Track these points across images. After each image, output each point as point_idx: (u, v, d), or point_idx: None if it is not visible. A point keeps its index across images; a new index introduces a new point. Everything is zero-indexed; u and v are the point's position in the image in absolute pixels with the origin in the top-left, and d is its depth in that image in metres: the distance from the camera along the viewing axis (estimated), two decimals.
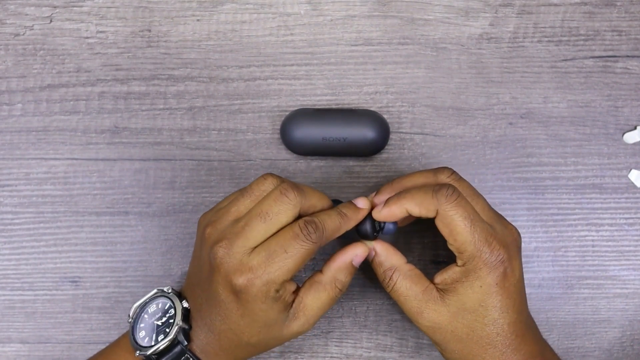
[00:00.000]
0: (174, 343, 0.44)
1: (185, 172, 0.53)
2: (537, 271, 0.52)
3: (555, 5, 0.53)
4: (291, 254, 0.41)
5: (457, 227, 0.42)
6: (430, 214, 0.43)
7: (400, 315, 0.52)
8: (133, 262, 0.53)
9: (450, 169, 0.45)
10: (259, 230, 0.42)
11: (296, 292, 0.44)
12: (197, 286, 0.45)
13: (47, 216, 0.52)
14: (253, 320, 0.42)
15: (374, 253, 0.46)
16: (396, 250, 0.46)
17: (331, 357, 0.53)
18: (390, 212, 0.45)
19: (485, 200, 0.45)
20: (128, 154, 0.53)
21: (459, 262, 0.43)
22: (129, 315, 0.46)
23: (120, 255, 0.52)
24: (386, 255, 0.45)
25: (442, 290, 0.44)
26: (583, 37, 0.53)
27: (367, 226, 0.46)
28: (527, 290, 0.47)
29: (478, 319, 0.43)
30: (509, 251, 0.43)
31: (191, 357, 0.43)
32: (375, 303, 0.53)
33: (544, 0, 0.53)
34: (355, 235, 0.46)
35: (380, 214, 0.45)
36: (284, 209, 0.42)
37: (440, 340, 0.44)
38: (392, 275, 0.45)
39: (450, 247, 0.43)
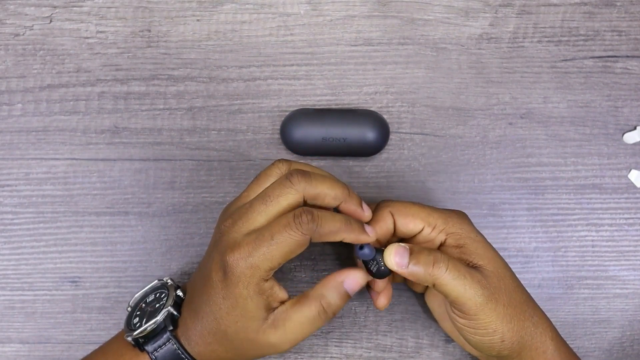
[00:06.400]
0: (161, 327, 0.44)
1: (185, 172, 0.53)
2: (537, 271, 0.52)
3: (555, 5, 0.53)
4: (277, 241, 0.41)
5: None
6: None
7: (400, 315, 0.52)
8: (133, 262, 0.52)
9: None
10: (259, 212, 0.42)
11: (285, 303, 0.44)
12: (198, 274, 0.46)
13: (47, 216, 0.52)
14: (232, 307, 0.42)
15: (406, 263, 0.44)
16: None
17: (331, 357, 0.53)
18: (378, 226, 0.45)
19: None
20: (128, 154, 0.53)
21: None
22: (129, 303, 0.47)
23: (120, 255, 0.52)
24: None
25: None
26: (583, 37, 0.53)
27: (370, 260, 0.44)
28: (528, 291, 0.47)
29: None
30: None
31: (174, 342, 0.43)
32: None
33: (544, 0, 0.53)
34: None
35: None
36: (284, 192, 0.42)
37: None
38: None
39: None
